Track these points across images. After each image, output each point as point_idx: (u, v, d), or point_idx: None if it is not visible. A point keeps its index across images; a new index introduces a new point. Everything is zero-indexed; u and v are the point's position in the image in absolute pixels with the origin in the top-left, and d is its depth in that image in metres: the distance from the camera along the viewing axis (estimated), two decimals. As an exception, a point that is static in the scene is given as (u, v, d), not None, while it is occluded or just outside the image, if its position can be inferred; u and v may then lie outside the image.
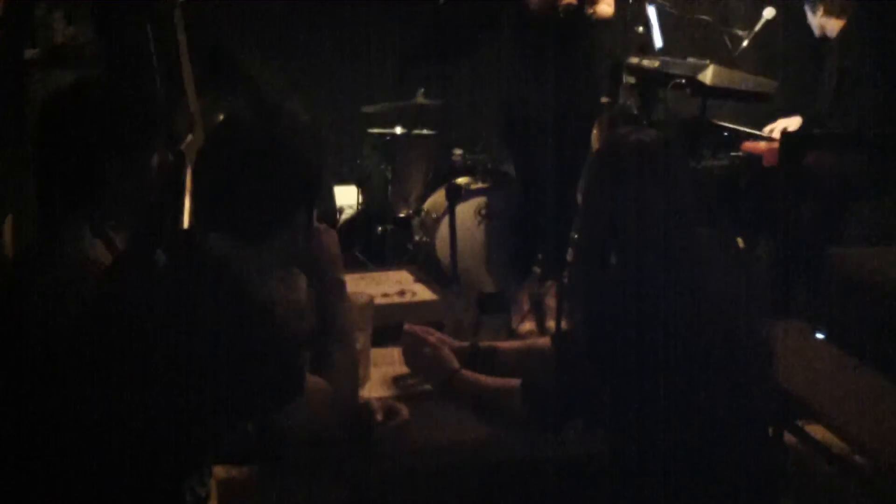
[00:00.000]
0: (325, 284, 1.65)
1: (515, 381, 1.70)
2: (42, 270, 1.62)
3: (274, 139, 1.48)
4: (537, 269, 3.75)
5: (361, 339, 1.81)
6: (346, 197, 4.59)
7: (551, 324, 2.95)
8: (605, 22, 3.74)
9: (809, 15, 3.70)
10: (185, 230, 1.81)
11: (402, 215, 4.19)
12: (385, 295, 2.46)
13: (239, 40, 4.16)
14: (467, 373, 1.78)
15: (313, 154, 1.53)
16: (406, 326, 1.90)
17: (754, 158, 3.54)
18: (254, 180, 1.45)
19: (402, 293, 2.50)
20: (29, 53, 3.30)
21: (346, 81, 4.74)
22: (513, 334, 3.07)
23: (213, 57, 3.83)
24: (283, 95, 3.90)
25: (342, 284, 1.67)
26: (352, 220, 4.38)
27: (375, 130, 4.38)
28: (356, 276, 2.68)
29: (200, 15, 3.54)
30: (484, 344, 1.92)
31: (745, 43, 3.76)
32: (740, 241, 3.20)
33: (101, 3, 3.38)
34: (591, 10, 3.63)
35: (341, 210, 4.54)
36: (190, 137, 2.99)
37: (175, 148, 2.88)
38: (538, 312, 3.31)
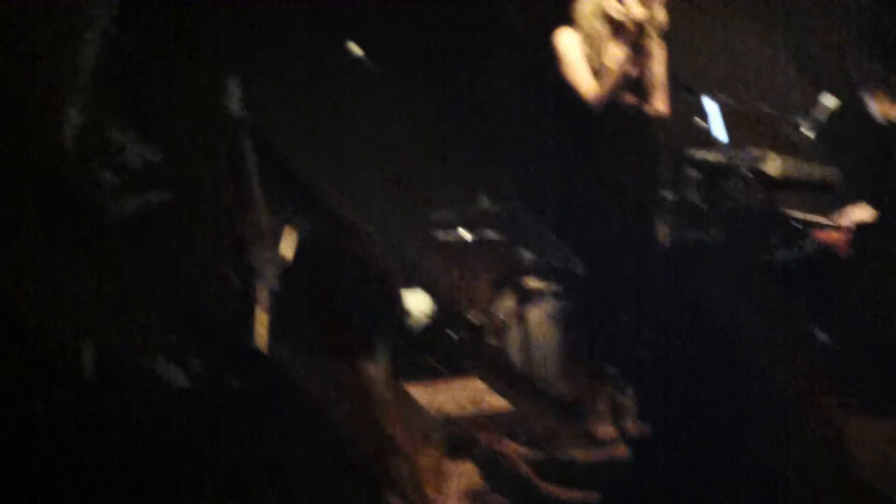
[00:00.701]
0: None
1: (594, 496, 1.67)
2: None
3: (357, 261, 1.51)
4: (613, 370, 3.70)
5: (432, 453, 1.80)
6: (416, 302, 4.60)
7: (631, 426, 2.90)
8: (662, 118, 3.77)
9: (869, 102, 3.68)
10: (258, 351, 1.84)
11: (472, 320, 4.18)
12: (458, 405, 2.46)
13: (306, 153, 4.26)
14: (545, 487, 1.76)
15: (387, 268, 1.56)
16: (481, 438, 1.89)
17: (830, 249, 3.49)
18: (339, 300, 1.48)
19: (475, 403, 2.49)
20: (106, 179, 3.43)
21: (410, 186, 4.79)
22: (592, 441, 3.01)
23: (287, 174, 3.92)
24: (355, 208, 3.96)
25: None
26: (423, 325, 4.38)
27: (442, 234, 4.40)
28: (428, 384, 2.68)
29: (269, 133, 3.65)
30: (561, 454, 1.90)
31: (807, 132, 3.74)
32: (819, 334, 3.13)
33: (173, 123, 3.51)
34: (646, 108, 3.67)
35: (411, 315, 4.55)
36: (261, 251, 3.06)
37: (245, 262, 2.95)
38: (617, 416, 3.25)
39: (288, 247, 3.34)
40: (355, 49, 3.79)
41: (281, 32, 4.05)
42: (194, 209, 3.29)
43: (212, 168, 3.50)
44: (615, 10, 3.57)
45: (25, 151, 2.68)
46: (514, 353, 3.78)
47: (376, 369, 2.95)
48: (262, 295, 2.92)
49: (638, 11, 3.56)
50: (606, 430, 3.20)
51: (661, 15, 3.66)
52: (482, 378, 2.78)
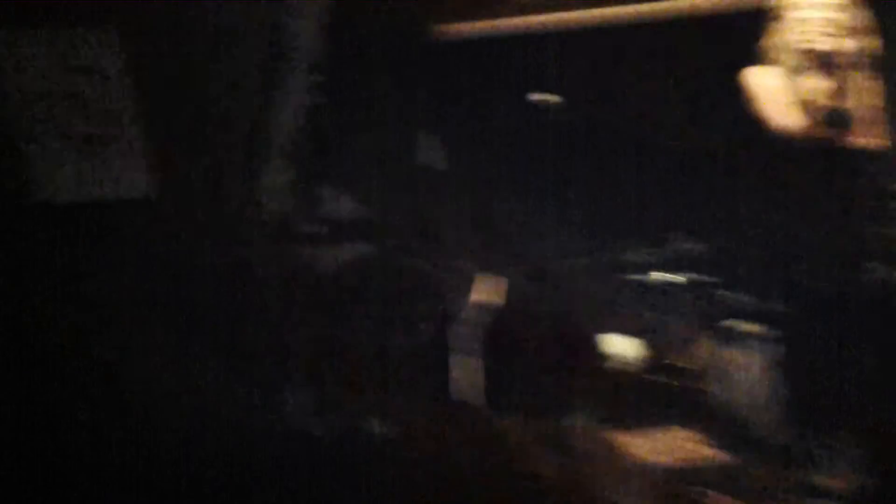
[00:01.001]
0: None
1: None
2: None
3: (554, 307, 1.49)
4: (833, 418, 3.48)
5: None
6: (618, 347, 4.52)
7: (855, 478, 2.71)
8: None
9: None
10: (456, 402, 1.84)
11: (674, 365, 4.06)
12: (662, 455, 2.37)
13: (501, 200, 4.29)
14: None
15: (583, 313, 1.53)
16: (688, 491, 1.81)
17: None
18: (536, 348, 1.46)
19: (680, 452, 2.40)
20: (306, 227, 3.54)
21: (604, 228, 4.73)
22: (814, 493, 2.84)
23: (484, 222, 3.96)
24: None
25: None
26: (626, 371, 4.30)
27: (638, 277, 4.32)
28: (630, 433, 2.61)
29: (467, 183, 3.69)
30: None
31: None
32: None
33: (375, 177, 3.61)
34: (853, 141, 3.48)
35: (613, 360, 4.47)
36: (460, 300, 3.08)
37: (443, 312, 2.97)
38: (840, 467, 3.05)
39: (487, 295, 3.36)
40: (543, 97, 3.80)
41: (474, 83, 4.11)
42: (396, 261, 3.35)
43: (413, 219, 3.56)
44: (819, 43, 3.40)
45: (228, 211, 2.81)
46: (721, 399, 3.62)
47: (577, 418, 2.89)
48: (459, 344, 2.94)
49: (845, 43, 3.39)
50: (830, 482, 2.99)
51: (872, 43, 3.47)
52: (687, 426, 2.67)
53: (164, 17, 2.64)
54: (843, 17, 3.40)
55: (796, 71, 3.48)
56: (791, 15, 3.51)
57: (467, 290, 3.48)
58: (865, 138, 3.50)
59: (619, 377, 4.20)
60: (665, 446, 2.41)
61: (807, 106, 3.44)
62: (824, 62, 3.39)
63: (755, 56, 3.59)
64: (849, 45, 3.38)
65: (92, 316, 2.67)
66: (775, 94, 3.55)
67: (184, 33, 2.66)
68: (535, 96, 3.95)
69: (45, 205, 2.61)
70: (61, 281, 2.61)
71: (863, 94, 3.48)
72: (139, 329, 2.72)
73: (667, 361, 4.03)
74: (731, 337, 3.57)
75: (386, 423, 2.46)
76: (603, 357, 4.43)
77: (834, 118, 3.47)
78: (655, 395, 4.02)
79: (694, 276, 4.15)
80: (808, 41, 3.42)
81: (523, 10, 4.21)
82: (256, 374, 2.73)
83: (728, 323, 3.73)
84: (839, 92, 3.42)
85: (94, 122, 2.63)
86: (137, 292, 2.72)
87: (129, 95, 2.63)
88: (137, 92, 2.62)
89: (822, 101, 3.40)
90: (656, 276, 4.12)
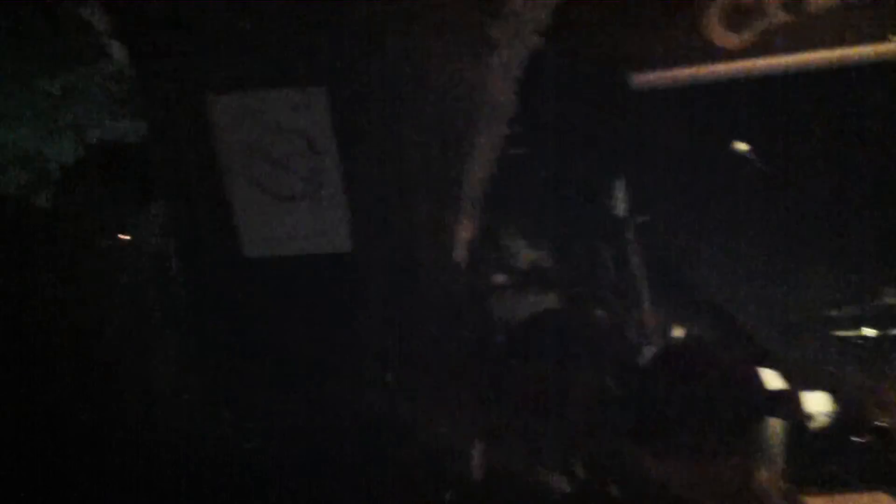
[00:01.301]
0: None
1: None
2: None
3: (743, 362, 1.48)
4: None
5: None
6: (816, 403, 4.34)
7: None
8: None
9: None
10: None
11: (881, 425, 3.86)
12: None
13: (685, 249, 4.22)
14: None
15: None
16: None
17: None
18: (722, 398, 1.45)
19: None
20: (496, 278, 3.61)
21: (808, 284, 4.57)
22: None
23: (671, 271, 3.91)
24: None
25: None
26: (824, 430, 4.11)
27: (843, 333, 4.15)
28: (830, 496, 2.50)
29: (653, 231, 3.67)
30: None
31: None
32: None
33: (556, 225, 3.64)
34: None
35: (811, 417, 4.29)
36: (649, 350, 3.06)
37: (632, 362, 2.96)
38: None
39: (678, 345, 3.31)
40: (741, 145, 3.74)
41: (670, 130, 4.08)
42: (582, 311, 3.37)
43: (598, 268, 3.56)
44: None
45: (424, 263, 2.91)
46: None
47: (770, 477, 2.80)
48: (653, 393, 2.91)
49: None
50: None
51: None
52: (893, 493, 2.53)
53: (367, 78, 2.77)
54: None
55: None
56: None
57: (658, 340, 3.45)
58: None
59: (819, 435, 4.03)
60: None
61: None
62: None
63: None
64: None
65: (301, 368, 2.83)
66: None
67: (385, 92, 2.79)
68: (735, 145, 3.89)
69: (255, 260, 2.80)
70: (270, 333, 2.79)
71: None
72: (352, 380, 2.86)
73: (875, 421, 3.83)
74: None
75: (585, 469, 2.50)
76: (805, 414, 4.26)
77: None
78: (860, 456, 3.82)
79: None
80: None
81: (723, 57, 4.15)
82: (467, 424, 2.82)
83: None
84: None
85: (300, 179, 2.80)
86: (342, 344, 2.86)
87: (332, 153, 2.78)
88: (340, 150, 2.77)
89: None
90: (866, 331, 3.94)
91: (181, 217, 3.03)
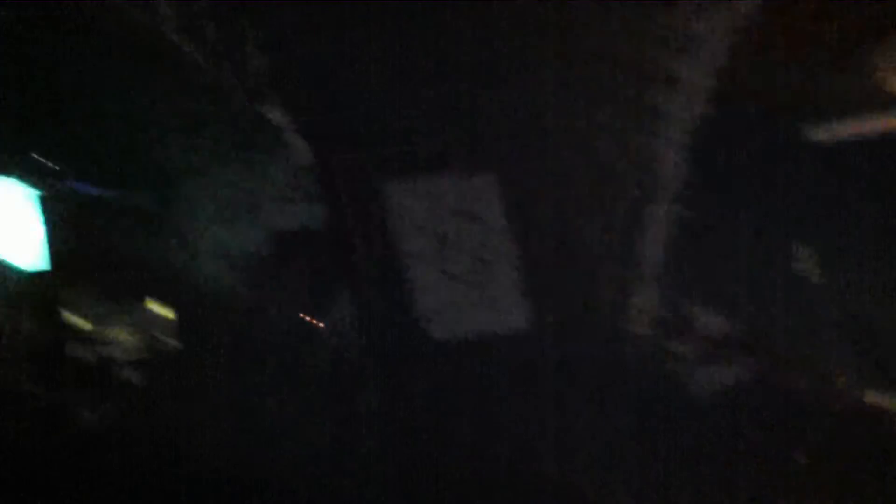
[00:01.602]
0: None
1: None
2: None
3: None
4: None
5: None
6: None
7: None
8: None
9: None
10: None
11: None
12: None
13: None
14: None
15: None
16: None
17: None
18: None
19: None
20: (679, 348, 3.52)
21: None
22: None
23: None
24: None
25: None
26: None
27: None
28: None
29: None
30: None
31: None
32: None
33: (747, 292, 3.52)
34: None
35: None
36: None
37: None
38: None
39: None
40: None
41: (849, 188, 3.92)
42: (779, 380, 3.24)
43: (792, 335, 3.43)
44: None
45: (603, 337, 2.88)
46: None
47: None
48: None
49: None
50: None
51: None
52: None
53: (533, 156, 2.80)
54: None
55: None
56: None
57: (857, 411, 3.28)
58: None
59: None
60: None
61: None
62: None
63: None
64: None
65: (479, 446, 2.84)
66: None
67: (552, 168, 2.81)
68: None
69: (433, 340, 2.84)
70: (452, 415, 2.81)
71: None
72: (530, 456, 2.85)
73: None
74: None
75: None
76: None
77: None
78: None
79: None
80: None
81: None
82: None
83: None
84: None
85: (471, 258, 2.84)
86: (526, 420, 2.86)
87: (502, 232, 2.81)
88: (512, 231, 2.80)
89: None
90: None
91: (359, 298, 3.12)
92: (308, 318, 3.85)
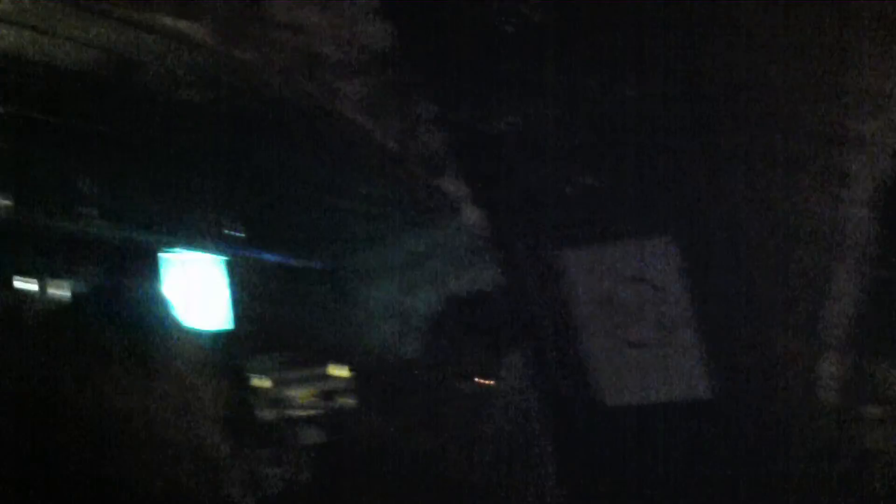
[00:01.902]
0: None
1: None
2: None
3: None
4: None
5: None
6: None
7: None
8: None
9: None
10: None
11: None
12: None
13: None
14: None
15: None
16: None
17: None
18: None
19: None
20: (870, 411, 3.36)
21: None
22: None
23: None
24: None
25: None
26: None
27: None
28: None
29: None
30: None
31: None
32: None
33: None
34: None
35: None
36: None
37: None
38: None
39: None
40: None
41: None
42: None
43: None
44: None
45: (788, 404, 2.79)
46: None
47: None
48: None
49: None
50: None
51: None
52: None
53: (712, 222, 2.75)
54: None
55: None
56: None
57: None
58: None
59: None
60: None
61: None
62: None
63: None
64: None
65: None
66: None
67: (731, 233, 2.76)
68: None
69: (613, 408, 2.83)
70: (632, 481, 2.78)
71: None
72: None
73: None
74: None
75: None
76: None
77: None
78: None
79: None
80: None
81: None
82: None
83: None
84: None
85: (651, 326, 2.81)
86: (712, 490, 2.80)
87: (682, 299, 2.77)
88: (690, 295, 2.75)
89: None
90: None
91: (538, 364, 3.13)
92: (483, 380, 3.89)
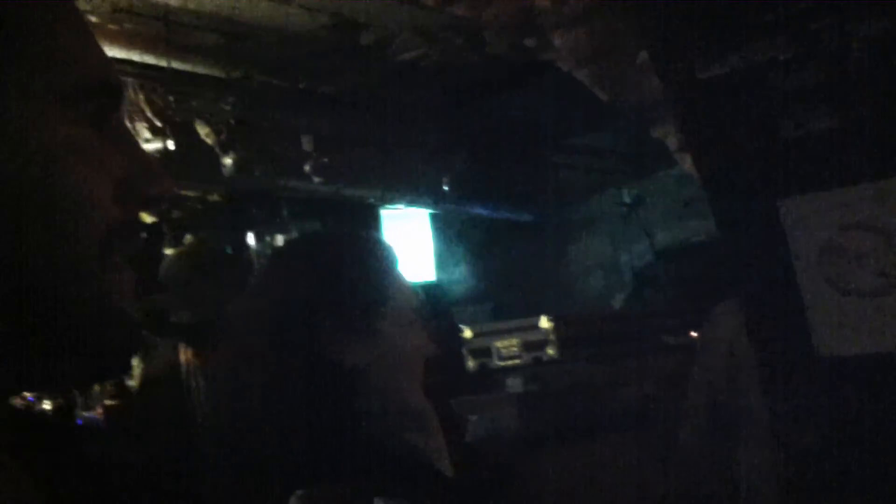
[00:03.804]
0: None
1: None
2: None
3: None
4: None
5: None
6: None
7: None
8: None
9: None
10: None
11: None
12: None
13: None
14: None
15: None
16: None
17: None
18: None
19: None
20: None
21: None
22: None
23: None
24: None
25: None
26: None
27: None
28: None
29: None
30: None
31: None
32: None
33: None
34: None
35: None
36: None
37: None
38: None
39: None
40: None
41: None
42: None
43: None
44: None
45: None
46: None
47: None
48: None
49: None
50: None
51: None
52: None
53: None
54: None
55: None
56: None
57: None
58: None
59: None
60: None
61: None
62: None
63: None
64: None
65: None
66: None
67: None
68: None
69: (828, 358, 2.77)
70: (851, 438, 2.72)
71: None
72: None
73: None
74: None
75: None
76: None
77: None
78: None
79: None
80: None
81: None
82: None
83: None
84: None
85: (876, 275, 2.75)
86: None
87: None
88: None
89: None
90: None
91: (752, 315, 3.10)
92: (692, 332, 3.90)
